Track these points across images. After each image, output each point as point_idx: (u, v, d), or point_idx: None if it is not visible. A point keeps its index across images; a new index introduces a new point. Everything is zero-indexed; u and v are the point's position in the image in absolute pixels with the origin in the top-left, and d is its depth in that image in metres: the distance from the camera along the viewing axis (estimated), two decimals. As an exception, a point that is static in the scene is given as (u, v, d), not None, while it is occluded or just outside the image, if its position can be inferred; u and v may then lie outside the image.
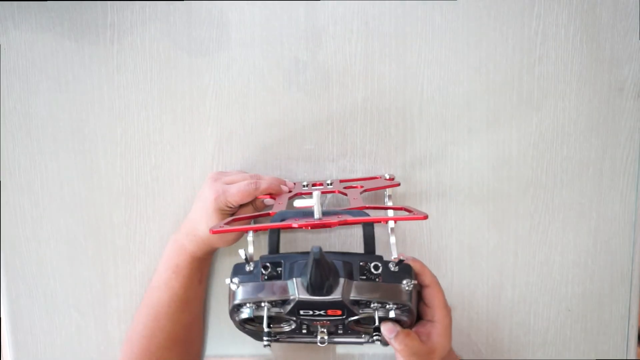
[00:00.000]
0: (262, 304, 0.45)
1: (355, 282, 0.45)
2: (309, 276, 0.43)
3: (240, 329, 0.50)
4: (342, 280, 0.44)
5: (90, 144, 0.61)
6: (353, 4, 0.59)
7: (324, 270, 0.42)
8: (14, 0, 0.58)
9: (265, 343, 0.47)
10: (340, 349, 0.65)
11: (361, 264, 0.46)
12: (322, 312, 0.45)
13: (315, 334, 0.49)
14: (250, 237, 0.51)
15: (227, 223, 0.51)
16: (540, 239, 0.63)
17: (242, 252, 0.46)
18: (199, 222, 0.54)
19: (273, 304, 0.45)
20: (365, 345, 0.65)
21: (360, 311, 0.46)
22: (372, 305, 0.46)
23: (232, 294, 0.47)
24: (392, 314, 0.46)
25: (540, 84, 0.61)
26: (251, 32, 0.60)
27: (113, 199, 0.62)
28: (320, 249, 0.42)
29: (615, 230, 0.63)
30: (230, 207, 0.53)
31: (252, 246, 0.50)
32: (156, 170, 0.62)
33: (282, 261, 0.47)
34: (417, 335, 0.48)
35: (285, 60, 0.60)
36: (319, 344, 0.48)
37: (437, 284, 0.50)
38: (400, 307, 0.46)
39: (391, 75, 0.60)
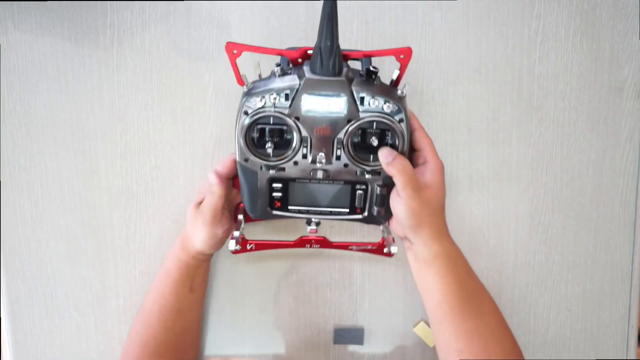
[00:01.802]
0: (272, 96, 0.47)
1: (356, 77, 0.48)
2: (322, 32, 0.44)
3: (241, 162, 0.50)
4: (345, 66, 0.47)
5: (90, 144, 0.61)
6: (353, 4, 0.59)
7: (335, 24, 0.44)
8: (14, 0, 0.58)
9: (269, 146, 0.48)
10: (340, 349, 0.65)
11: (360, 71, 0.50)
12: (325, 107, 0.47)
13: (314, 172, 0.50)
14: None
15: (221, 221, 0.53)
16: (540, 239, 0.63)
17: (257, 66, 0.48)
18: (190, 222, 0.56)
19: (281, 94, 0.47)
20: (366, 345, 0.65)
21: (362, 110, 0.47)
22: (371, 104, 0.47)
23: (242, 97, 0.48)
24: (387, 108, 0.47)
25: (540, 84, 0.61)
26: (251, 32, 0.60)
27: (113, 199, 0.62)
28: None
29: (615, 230, 0.63)
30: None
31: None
32: (156, 170, 0.62)
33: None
34: None
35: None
36: (319, 174, 0.50)
37: (424, 130, 0.51)
38: (397, 112, 0.48)
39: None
